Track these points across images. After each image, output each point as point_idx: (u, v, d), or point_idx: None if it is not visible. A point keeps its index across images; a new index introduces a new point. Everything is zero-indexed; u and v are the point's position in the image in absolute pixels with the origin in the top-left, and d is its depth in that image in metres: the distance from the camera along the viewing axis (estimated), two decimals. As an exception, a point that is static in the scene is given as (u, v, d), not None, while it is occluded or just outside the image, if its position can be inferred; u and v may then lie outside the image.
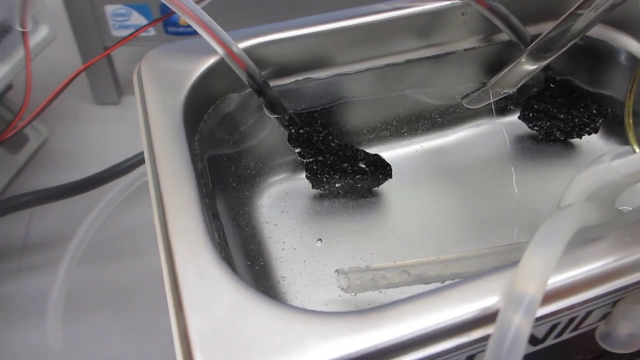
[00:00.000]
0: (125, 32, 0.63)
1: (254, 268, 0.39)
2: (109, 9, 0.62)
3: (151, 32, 0.64)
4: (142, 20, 0.63)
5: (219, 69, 0.38)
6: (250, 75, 0.38)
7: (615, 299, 0.28)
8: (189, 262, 0.27)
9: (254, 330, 0.25)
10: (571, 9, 0.38)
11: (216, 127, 0.39)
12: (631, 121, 0.29)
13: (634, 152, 0.28)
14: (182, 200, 0.30)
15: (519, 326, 0.24)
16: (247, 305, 0.26)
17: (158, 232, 0.29)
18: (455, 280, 0.33)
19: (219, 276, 0.27)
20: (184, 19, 0.36)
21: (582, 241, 0.28)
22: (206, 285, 0.27)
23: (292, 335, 0.25)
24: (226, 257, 0.32)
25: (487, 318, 0.25)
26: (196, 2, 0.37)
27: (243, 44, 0.39)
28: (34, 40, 0.57)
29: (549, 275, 0.25)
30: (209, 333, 0.25)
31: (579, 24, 0.38)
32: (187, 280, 0.27)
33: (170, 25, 0.64)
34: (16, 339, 0.49)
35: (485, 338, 0.25)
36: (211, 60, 0.38)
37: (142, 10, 0.62)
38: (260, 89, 0.38)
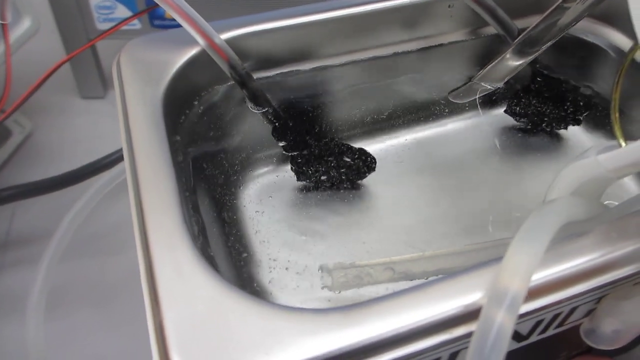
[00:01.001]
0: (110, 25, 0.63)
1: (236, 263, 0.38)
2: (94, 1, 0.61)
3: (137, 25, 0.63)
4: (128, 13, 0.62)
5: (200, 60, 0.37)
6: (232, 67, 0.37)
7: (600, 295, 0.28)
8: (166, 257, 0.27)
9: (232, 327, 0.24)
10: (557, 2, 0.37)
11: (198, 119, 0.39)
12: (617, 115, 0.29)
13: (620, 146, 0.28)
14: (160, 194, 0.30)
15: (502, 323, 0.23)
16: (225, 301, 0.25)
17: (135, 228, 0.29)
18: (440, 276, 0.33)
19: (196, 272, 0.26)
20: (164, 8, 0.35)
21: (567, 236, 0.27)
22: (183, 281, 0.26)
23: (271, 332, 0.24)
24: (206, 253, 0.32)
25: (471, 315, 0.25)
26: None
27: (225, 35, 0.38)
28: (17, 33, 0.56)
29: (533, 271, 0.24)
30: (186, 330, 0.24)
31: (566, 18, 0.37)
32: (164, 276, 0.26)
33: (156, 18, 0.63)
34: (-3, 335, 0.48)
35: (469, 335, 0.25)
36: (192, 52, 0.37)
37: (127, 3, 0.62)
38: (243, 81, 0.38)
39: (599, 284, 0.26)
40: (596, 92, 0.45)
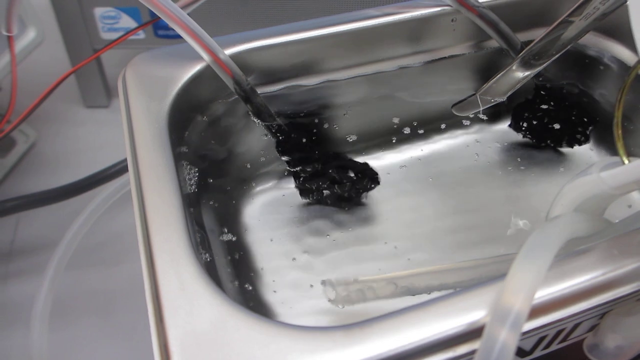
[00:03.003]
0: (114, 35, 0.63)
1: (239, 279, 0.38)
2: (98, 11, 0.61)
3: (141, 35, 0.64)
4: (132, 23, 0.63)
5: (205, 75, 0.38)
6: (236, 82, 0.37)
7: (603, 311, 0.28)
8: (170, 273, 0.27)
9: (235, 344, 0.24)
10: (562, 17, 0.37)
11: (202, 134, 0.39)
12: (620, 132, 0.29)
13: (623, 163, 0.28)
14: (165, 209, 0.30)
15: (505, 341, 0.23)
16: (229, 318, 0.25)
17: (140, 243, 0.29)
18: (444, 291, 0.33)
19: (200, 289, 0.26)
20: (170, 24, 0.35)
21: (570, 253, 0.27)
22: (187, 298, 0.26)
23: (274, 350, 0.24)
24: (210, 268, 0.32)
25: (474, 333, 0.25)
26: (182, 8, 0.36)
27: (230, 50, 0.38)
28: (22, 44, 0.56)
29: (536, 289, 0.24)
30: (190, 346, 0.24)
31: (570, 32, 0.37)
32: (169, 293, 0.26)
33: (160, 29, 0.63)
34: (1, 345, 0.48)
35: (472, 353, 0.25)
36: (197, 67, 0.37)
37: (132, 14, 0.62)
38: (247, 96, 0.38)
39: (602, 302, 0.26)
40: (600, 106, 0.45)
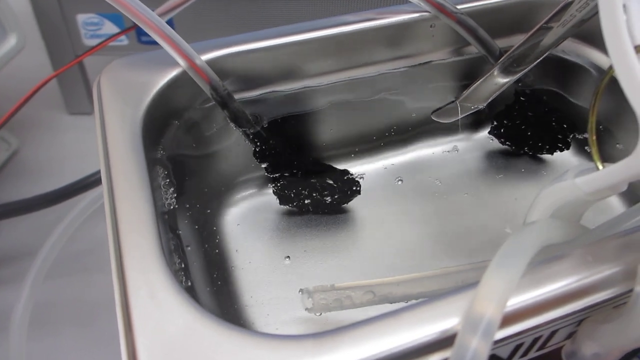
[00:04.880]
0: (97, 42, 0.62)
1: (217, 286, 0.38)
2: (81, 18, 0.61)
3: (124, 41, 0.63)
4: (115, 30, 0.62)
5: (181, 81, 0.37)
6: (213, 88, 0.37)
7: (579, 318, 0.27)
8: (140, 281, 0.27)
9: (204, 353, 0.24)
10: (540, 24, 0.37)
11: (178, 141, 0.39)
12: (594, 137, 0.29)
13: (598, 169, 0.28)
14: (136, 217, 0.29)
15: (476, 349, 0.23)
16: (199, 327, 0.25)
17: (111, 250, 0.28)
18: (421, 300, 0.33)
19: (171, 297, 0.26)
20: (146, 30, 0.35)
21: (544, 260, 0.27)
22: (157, 306, 0.26)
23: (243, 359, 0.24)
24: (184, 276, 0.32)
25: (446, 341, 0.25)
26: (160, 15, 0.36)
27: (207, 56, 0.38)
28: (2, 50, 0.56)
29: (509, 297, 0.24)
30: (158, 355, 0.24)
31: (549, 39, 0.37)
32: (138, 300, 0.26)
33: (143, 35, 0.63)
34: (-22, 355, 0.48)
35: (444, 361, 0.24)
36: (173, 73, 0.37)
37: (115, 20, 0.62)
38: (224, 101, 0.38)
39: (577, 309, 0.26)
40: (580, 112, 0.45)
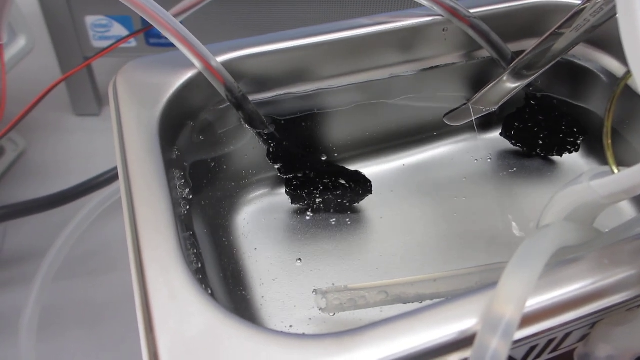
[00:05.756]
0: (105, 43, 0.63)
1: (231, 287, 0.38)
2: (90, 19, 0.61)
3: (133, 43, 0.64)
4: (123, 32, 0.63)
5: (196, 82, 0.38)
6: (228, 90, 0.37)
7: (593, 320, 0.28)
8: (160, 281, 0.27)
9: (225, 352, 0.24)
10: (552, 29, 0.37)
11: (193, 142, 0.39)
12: (609, 141, 0.29)
13: (612, 172, 0.28)
14: (155, 217, 0.30)
15: (496, 350, 0.23)
16: (220, 326, 0.25)
17: (130, 251, 0.29)
18: (435, 300, 0.33)
19: (191, 296, 0.26)
20: (162, 32, 0.35)
21: (560, 262, 0.27)
22: (178, 306, 0.26)
23: (264, 358, 0.24)
24: (201, 276, 0.32)
25: (465, 341, 0.25)
26: (174, 16, 0.36)
27: (222, 58, 0.38)
28: (11, 52, 0.56)
29: (527, 298, 0.24)
30: (180, 355, 0.24)
31: (560, 44, 0.38)
32: (159, 301, 0.26)
33: (152, 37, 0.63)
34: (-12, 357, 0.48)
35: (463, 361, 0.25)
36: (189, 74, 0.37)
37: (124, 22, 0.62)
38: (239, 103, 0.38)
39: (592, 311, 0.26)
40: (590, 116, 0.45)
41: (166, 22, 0.35)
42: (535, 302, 0.26)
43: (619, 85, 0.29)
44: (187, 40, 0.35)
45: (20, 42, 0.57)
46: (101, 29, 0.62)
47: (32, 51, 0.59)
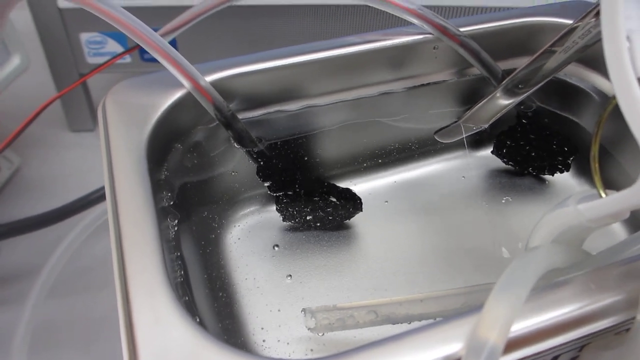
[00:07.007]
0: (100, 60, 0.63)
1: (219, 306, 0.38)
2: (84, 36, 0.61)
3: (127, 59, 0.64)
4: (118, 48, 0.63)
5: (186, 102, 0.38)
6: (217, 109, 0.37)
7: (581, 344, 0.27)
8: (145, 305, 0.27)
9: (209, 378, 0.24)
10: (544, 48, 0.37)
11: (182, 161, 0.39)
12: (597, 165, 0.29)
13: (600, 196, 0.28)
14: (142, 240, 0.29)
15: (480, 375, 0.23)
16: (204, 352, 0.25)
17: (115, 273, 0.29)
18: (423, 321, 0.33)
19: (176, 321, 0.26)
20: (150, 52, 0.35)
21: (547, 286, 0.27)
22: (162, 330, 0.26)
23: (248, 385, 0.24)
24: (187, 298, 0.32)
25: (450, 366, 0.25)
26: (162, 35, 0.37)
27: (211, 77, 0.38)
28: (6, 70, 0.56)
29: (512, 323, 0.24)
30: (163, 380, 0.24)
31: (552, 63, 0.37)
32: (143, 325, 0.26)
33: (146, 52, 0.63)
34: (-21, 375, 0.48)
35: (448, 386, 0.24)
36: (178, 94, 0.37)
37: (118, 38, 0.62)
38: (228, 122, 0.38)
39: (579, 335, 0.26)
40: (581, 135, 0.45)
41: (154, 42, 0.35)
42: (521, 326, 0.26)
43: (605, 109, 0.29)
44: (175, 60, 0.35)
45: (15, 61, 0.57)
46: (96, 45, 0.62)
47: (26, 70, 0.59)
